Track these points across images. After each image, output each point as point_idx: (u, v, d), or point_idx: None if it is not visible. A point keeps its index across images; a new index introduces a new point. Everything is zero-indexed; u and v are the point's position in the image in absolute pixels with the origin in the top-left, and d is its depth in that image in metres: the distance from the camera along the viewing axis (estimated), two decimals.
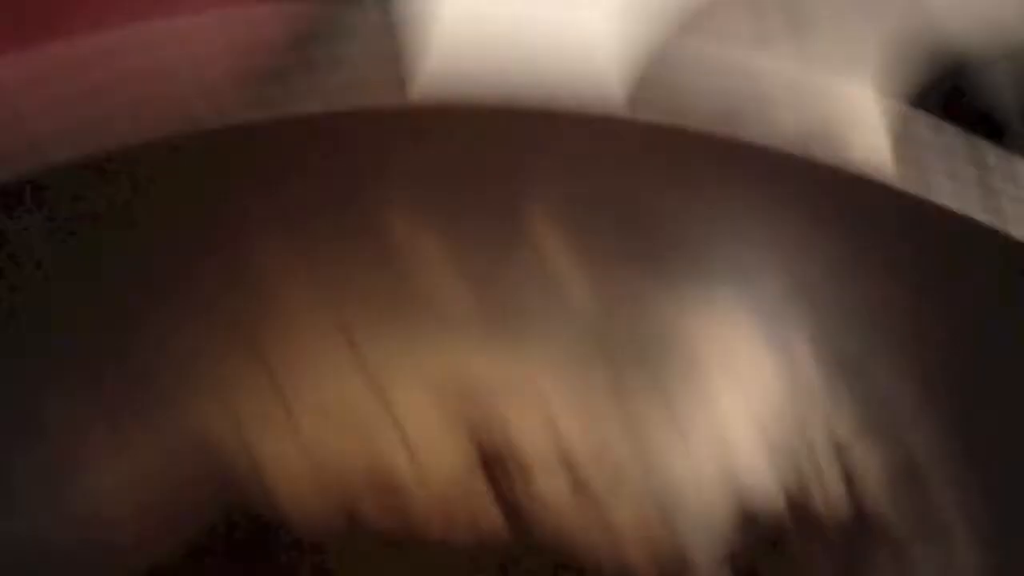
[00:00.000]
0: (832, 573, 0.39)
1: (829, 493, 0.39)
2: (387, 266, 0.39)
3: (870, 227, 0.37)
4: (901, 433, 0.38)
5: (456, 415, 0.39)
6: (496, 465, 0.39)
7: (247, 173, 0.38)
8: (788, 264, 0.38)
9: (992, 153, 0.37)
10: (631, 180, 0.38)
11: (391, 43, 0.38)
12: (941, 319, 0.37)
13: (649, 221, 0.38)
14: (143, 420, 0.38)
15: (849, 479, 0.38)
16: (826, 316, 0.38)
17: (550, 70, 0.38)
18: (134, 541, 0.37)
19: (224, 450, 0.38)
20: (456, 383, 0.39)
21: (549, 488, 0.39)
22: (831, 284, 0.38)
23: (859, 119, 0.38)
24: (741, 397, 0.39)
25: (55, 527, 0.37)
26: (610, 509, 0.39)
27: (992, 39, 0.38)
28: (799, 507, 0.39)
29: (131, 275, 0.38)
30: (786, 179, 0.37)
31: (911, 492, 0.38)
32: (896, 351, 0.37)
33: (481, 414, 0.39)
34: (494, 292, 0.39)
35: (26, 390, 0.37)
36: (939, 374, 0.37)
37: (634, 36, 0.38)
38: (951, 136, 0.37)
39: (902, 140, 0.37)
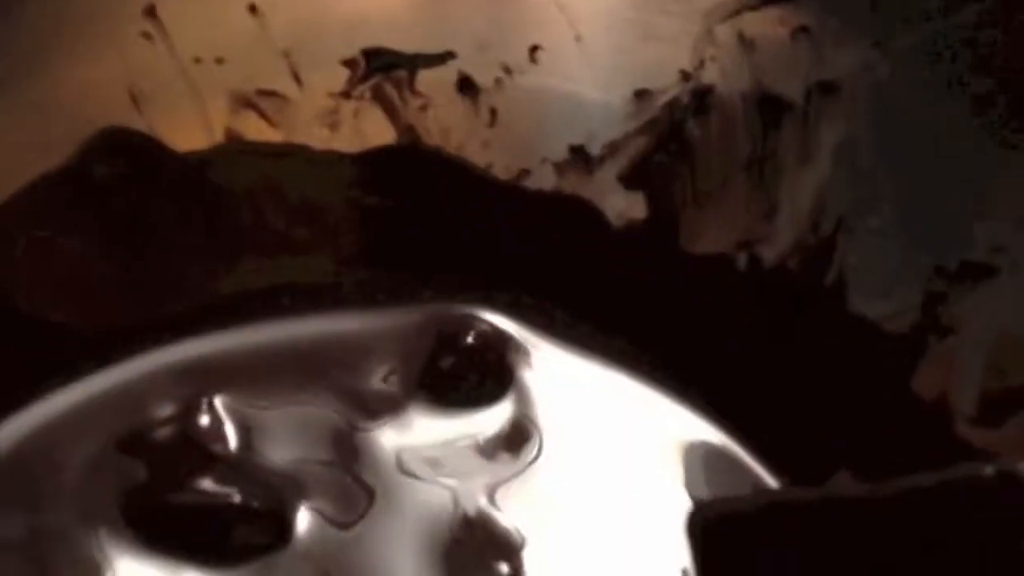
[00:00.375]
0: (737, 149, 0.36)
1: (727, 67, 0.36)
2: None
3: None
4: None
5: (341, 27, 0.37)
6: (381, 71, 0.37)
7: None
8: None
9: None
10: None
11: None
12: None
13: None
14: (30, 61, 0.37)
15: (746, 50, 0.35)
16: None
17: None
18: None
19: (106, 82, 0.37)
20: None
21: (434, 87, 0.37)
22: None
23: None
24: None
25: None
26: (498, 107, 0.37)
27: None
28: (696, 83, 0.36)
29: None
30: None
31: (805, 58, 0.35)
32: None
33: (369, 28, 0.37)
34: None
35: None
36: None
37: None
38: None
39: None
